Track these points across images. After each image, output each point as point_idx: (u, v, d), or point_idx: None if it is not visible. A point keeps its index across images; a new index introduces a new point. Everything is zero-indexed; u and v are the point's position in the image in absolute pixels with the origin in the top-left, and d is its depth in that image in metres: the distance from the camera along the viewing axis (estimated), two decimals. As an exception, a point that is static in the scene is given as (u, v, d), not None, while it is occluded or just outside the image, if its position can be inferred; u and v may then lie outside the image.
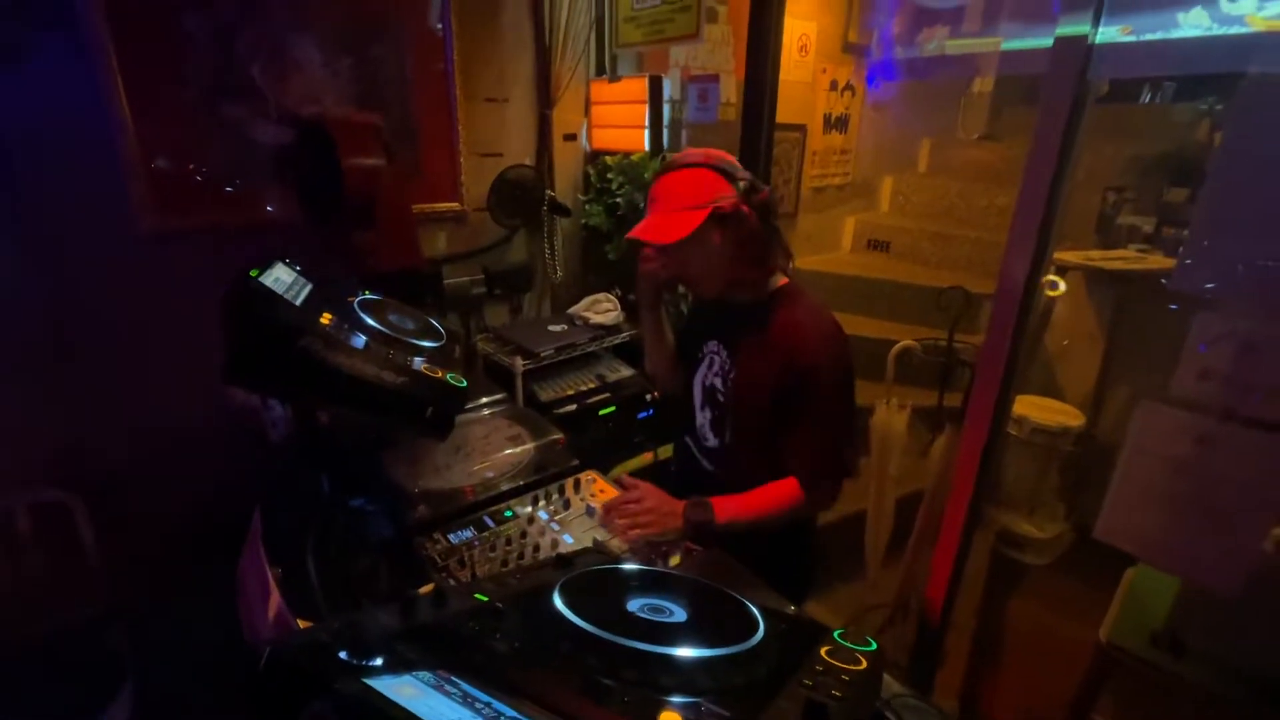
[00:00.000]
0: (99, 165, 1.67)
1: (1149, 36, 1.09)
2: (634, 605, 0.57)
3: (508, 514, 1.28)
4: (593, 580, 0.63)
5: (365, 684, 0.38)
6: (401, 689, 0.39)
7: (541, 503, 1.31)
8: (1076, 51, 1.16)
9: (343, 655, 0.41)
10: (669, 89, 2.33)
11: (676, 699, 0.45)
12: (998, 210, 3.56)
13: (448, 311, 2.19)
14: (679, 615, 0.57)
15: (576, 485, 1.38)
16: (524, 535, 1.20)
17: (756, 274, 1.24)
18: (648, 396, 2.29)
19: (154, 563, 1.89)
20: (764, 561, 1.07)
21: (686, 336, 1.47)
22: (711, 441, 1.40)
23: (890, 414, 1.98)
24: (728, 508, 1.21)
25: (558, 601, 0.55)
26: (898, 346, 2.09)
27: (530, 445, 1.50)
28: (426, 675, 0.43)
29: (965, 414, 1.53)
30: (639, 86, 2.23)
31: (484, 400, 1.70)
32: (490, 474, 1.40)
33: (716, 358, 1.35)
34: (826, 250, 3.89)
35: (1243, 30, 1.02)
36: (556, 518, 1.27)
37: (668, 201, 1.17)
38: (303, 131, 1.72)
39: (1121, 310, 2.75)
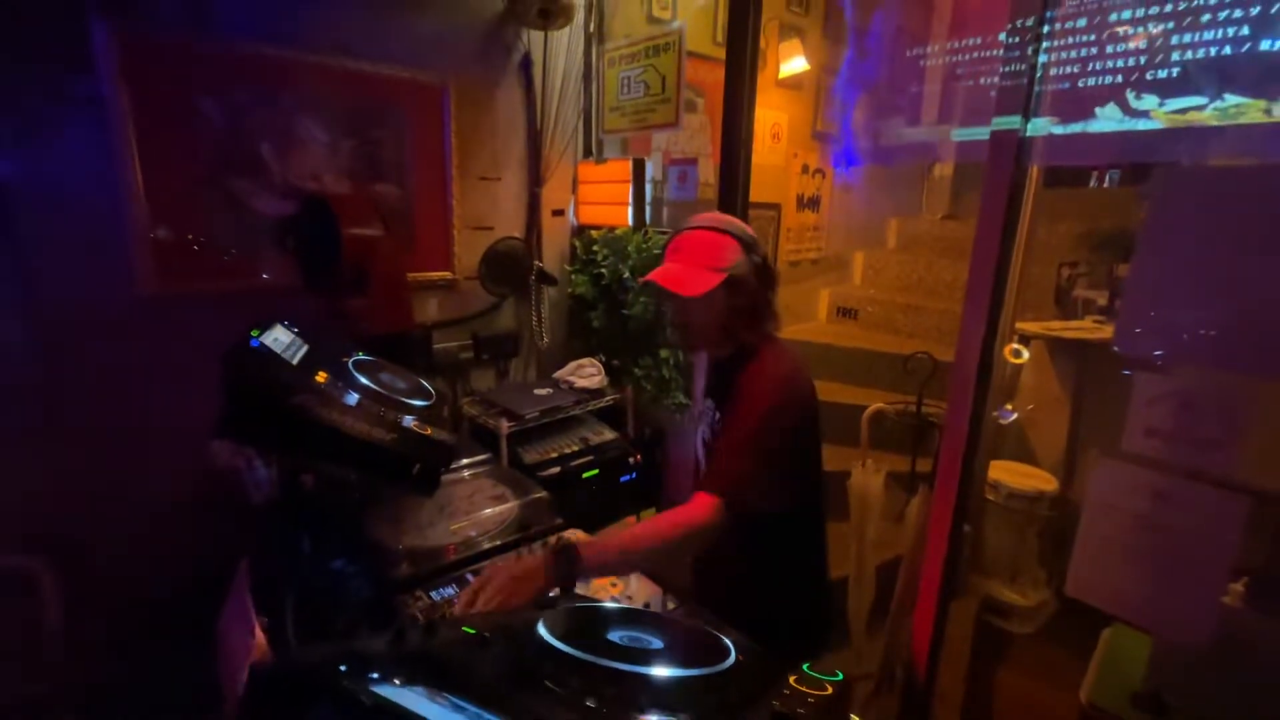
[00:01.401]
0: (107, 232, 1.74)
1: (1073, 128, 1.24)
2: (614, 635, 0.60)
3: (491, 571, 1.28)
4: (575, 614, 0.66)
5: (368, 689, 0.41)
6: (400, 696, 0.42)
7: (525, 560, 1.32)
8: (1010, 142, 1.31)
9: (342, 668, 0.44)
10: (651, 170, 2.51)
11: (653, 715, 0.48)
12: (963, 284, 3.72)
13: (436, 375, 2.24)
14: (656, 644, 0.60)
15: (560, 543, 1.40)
16: (507, 591, 1.21)
17: (747, 335, 1.29)
18: (630, 460, 2.32)
19: (120, 640, 1.83)
20: (771, 620, 1.08)
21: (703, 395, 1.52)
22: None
23: (867, 476, 2.03)
24: (593, 548, 1.10)
25: (542, 630, 0.59)
26: (871, 408, 2.17)
27: (514, 504, 1.52)
28: (420, 689, 0.46)
29: (935, 474, 1.59)
30: (623, 167, 2.40)
31: (467, 461, 1.73)
32: (473, 532, 1.42)
33: (709, 413, 1.40)
34: (802, 320, 4.04)
35: (1150, 125, 1.17)
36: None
37: (692, 256, 1.23)
38: (305, 203, 1.82)
39: (1084, 376, 2.87)
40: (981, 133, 1.36)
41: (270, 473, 1.64)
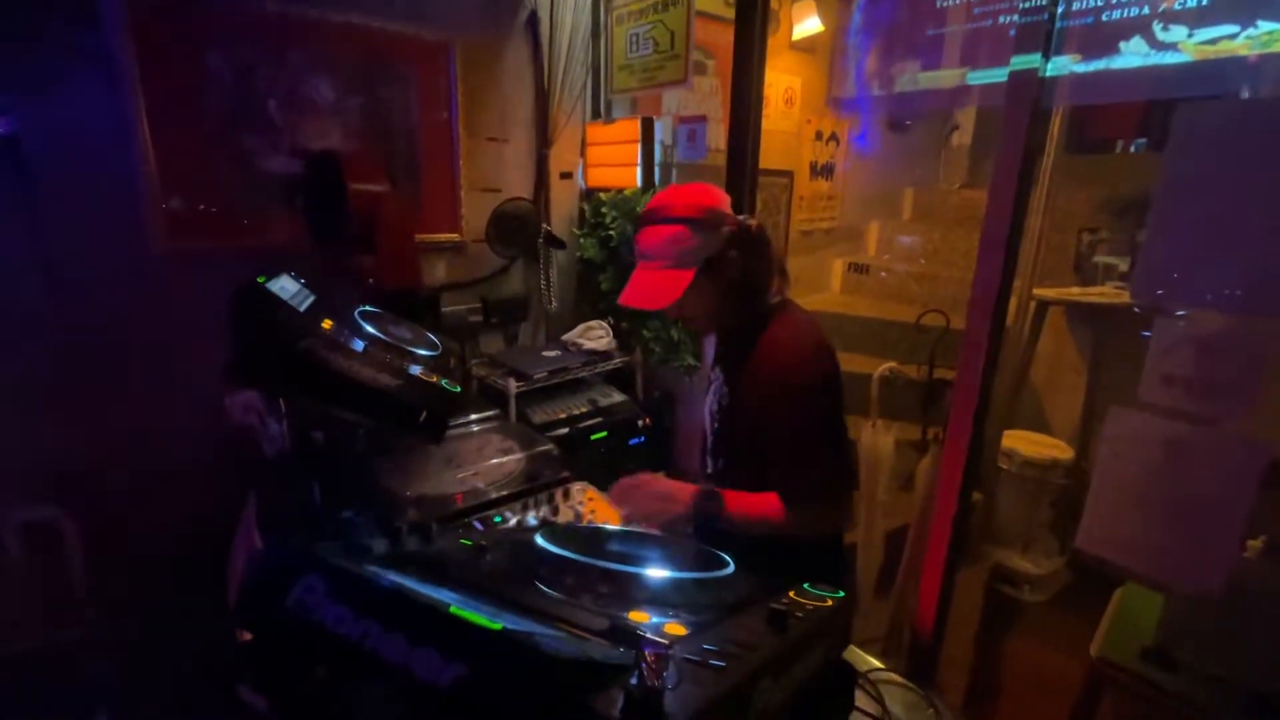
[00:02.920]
0: (118, 189, 1.75)
1: (1096, 65, 1.19)
2: (612, 547, 0.60)
3: (497, 519, 1.29)
4: (574, 530, 0.66)
5: (358, 565, 0.41)
6: (389, 578, 0.42)
7: (531, 510, 1.33)
8: (1029, 83, 1.26)
9: (333, 554, 0.44)
10: (661, 131, 2.47)
11: (645, 608, 0.48)
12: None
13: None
14: (655, 555, 0.60)
15: (566, 494, 1.40)
16: (512, 537, 1.21)
17: (752, 306, 1.23)
18: (639, 423, 2.32)
19: (140, 588, 1.87)
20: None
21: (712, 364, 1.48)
22: (710, 468, 1.39)
23: (876, 436, 2.01)
24: (738, 503, 1.16)
25: (539, 540, 0.58)
26: (882, 368, 2.14)
27: (521, 455, 1.52)
28: (414, 581, 0.46)
29: (947, 428, 1.57)
30: (632, 127, 2.36)
31: (476, 416, 1.73)
32: (480, 483, 1.42)
33: (716, 383, 1.35)
34: (816, 291, 3.99)
35: (1179, 59, 1.12)
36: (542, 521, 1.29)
37: (655, 259, 1.16)
38: (312, 160, 1.82)
39: (1102, 343, 2.82)
40: (1000, 74, 1.32)
41: (282, 428, 1.66)
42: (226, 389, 1.70)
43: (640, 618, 0.45)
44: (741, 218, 1.21)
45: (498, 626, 0.38)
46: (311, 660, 0.42)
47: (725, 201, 1.21)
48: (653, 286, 1.16)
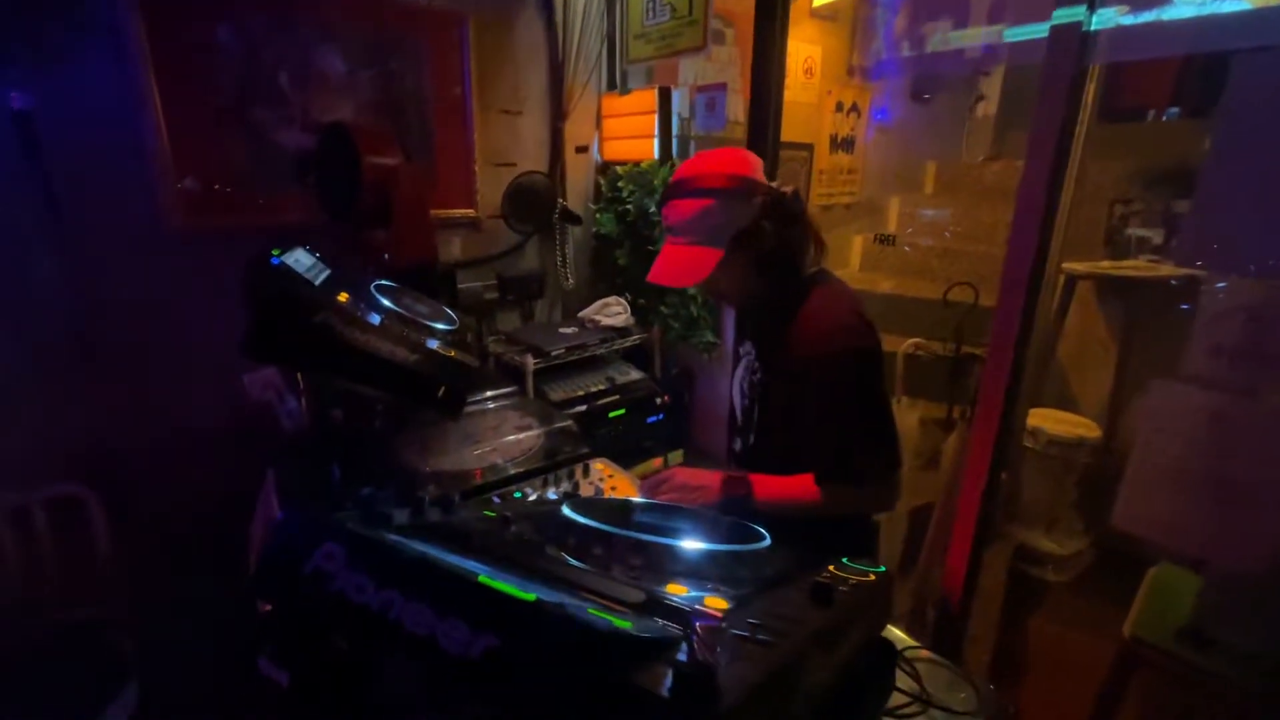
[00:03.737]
0: (130, 165, 1.74)
1: (1145, 17, 1.12)
2: (640, 518, 0.57)
3: (517, 495, 1.27)
4: (600, 502, 0.63)
5: (379, 534, 0.39)
6: (412, 546, 0.39)
7: (551, 486, 1.31)
8: (1072, 37, 1.19)
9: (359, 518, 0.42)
10: (678, 102, 2.40)
11: (682, 581, 0.45)
12: (1005, 225, 3.57)
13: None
14: (686, 527, 0.57)
15: (586, 470, 1.39)
16: (532, 512, 1.20)
17: (788, 276, 1.17)
18: (658, 400, 2.29)
19: (163, 564, 1.89)
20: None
21: (735, 339, 1.43)
22: (739, 446, 1.35)
23: (901, 413, 1.97)
24: (767, 486, 1.14)
25: (566, 510, 0.56)
26: (908, 342, 2.09)
27: (539, 431, 1.50)
28: (437, 550, 0.44)
29: (975, 404, 1.52)
30: (649, 98, 2.30)
31: (493, 393, 1.72)
32: (499, 459, 1.41)
33: (747, 358, 1.30)
34: (836, 267, 3.90)
35: (1238, 6, 1.05)
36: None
37: (683, 235, 1.12)
38: (326, 135, 1.79)
39: (1133, 319, 2.73)
40: (1040, 29, 1.25)
41: (301, 405, 1.65)
42: (245, 366, 1.70)
43: (678, 590, 0.42)
44: (774, 184, 1.13)
45: (531, 597, 0.36)
46: (331, 631, 0.40)
47: (758, 167, 1.13)
48: (682, 263, 1.11)
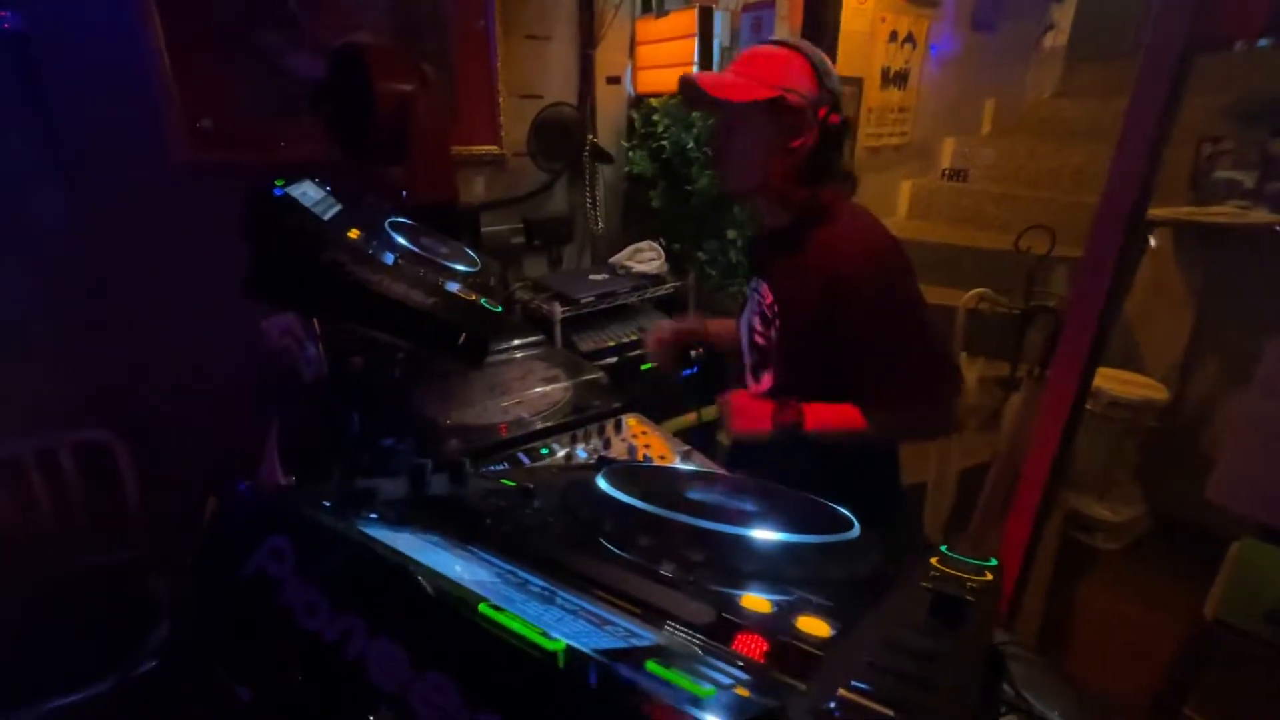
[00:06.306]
0: (134, 95, 1.63)
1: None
2: (694, 494, 0.46)
3: (544, 451, 1.19)
4: (641, 470, 0.52)
5: (343, 524, 0.28)
6: (396, 539, 0.29)
7: (580, 442, 1.21)
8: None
9: (325, 504, 0.32)
10: (719, 26, 2.18)
11: (757, 591, 0.34)
12: (1072, 169, 3.29)
13: (485, 260, 2.10)
14: (750, 506, 0.46)
15: (618, 426, 1.28)
16: (561, 472, 1.10)
17: (797, 192, 1.08)
18: (692, 352, 2.16)
19: (189, 509, 1.88)
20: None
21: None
22: (753, 388, 1.26)
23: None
24: (818, 414, 1.07)
25: (601, 483, 0.45)
26: (971, 294, 1.91)
27: (568, 384, 1.40)
28: (436, 537, 0.33)
29: (1048, 375, 1.38)
30: (688, 20, 2.09)
31: (519, 342, 1.61)
32: (525, 413, 1.31)
33: (756, 294, 1.21)
34: (881, 215, 3.66)
35: None
36: (596, 457, 1.17)
37: (748, 68, 1.05)
38: (336, 59, 1.65)
39: (1216, 272, 2.49)
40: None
41: (319, 351, 1.58)
42: (265, 311, 1.62)
43: (759, 605, 0.31)
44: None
45: (558, 646, 0.24)
46: (282, 657, 0.29)
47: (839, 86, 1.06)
48: (729, 82, 1.04)
